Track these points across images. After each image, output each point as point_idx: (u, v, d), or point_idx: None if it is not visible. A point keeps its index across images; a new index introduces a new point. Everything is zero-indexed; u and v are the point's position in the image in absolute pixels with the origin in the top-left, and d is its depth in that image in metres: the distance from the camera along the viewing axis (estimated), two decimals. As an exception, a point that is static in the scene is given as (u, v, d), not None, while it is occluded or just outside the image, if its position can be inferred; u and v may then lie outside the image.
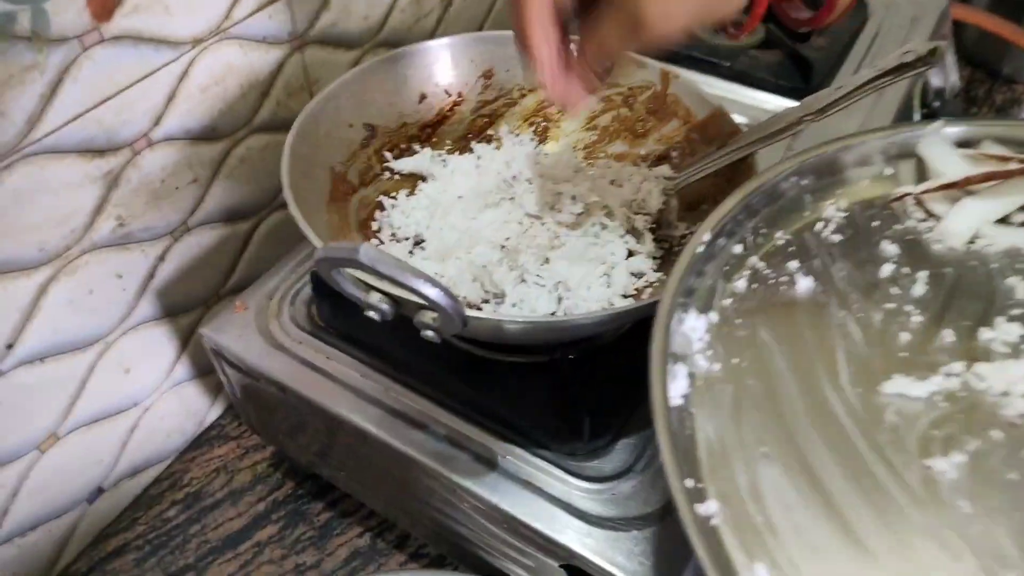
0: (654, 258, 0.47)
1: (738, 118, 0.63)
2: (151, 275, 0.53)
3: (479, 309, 0.45)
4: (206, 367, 0.61)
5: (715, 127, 0.48)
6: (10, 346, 0.46)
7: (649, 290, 0.44)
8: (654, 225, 0.47)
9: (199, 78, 0.50)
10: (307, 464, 0.57)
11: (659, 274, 0.46)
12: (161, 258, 0.53)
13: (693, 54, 0.71)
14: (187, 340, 0.58)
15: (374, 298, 0.35)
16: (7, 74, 0.40)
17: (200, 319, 0.59)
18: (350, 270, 0.33)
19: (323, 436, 0.50)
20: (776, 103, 0.67)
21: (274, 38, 0.55)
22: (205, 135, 0.53)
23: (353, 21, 0.61)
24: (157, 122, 0.49)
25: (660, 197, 0.46)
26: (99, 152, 0.46)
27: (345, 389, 0.46)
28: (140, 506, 0.59)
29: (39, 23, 0.40)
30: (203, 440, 0.63)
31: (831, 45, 0.73)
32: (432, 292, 0.31)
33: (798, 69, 0.69)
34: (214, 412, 0.64)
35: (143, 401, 0.57)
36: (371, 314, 0.36)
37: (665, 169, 0.48)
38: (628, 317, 0.38)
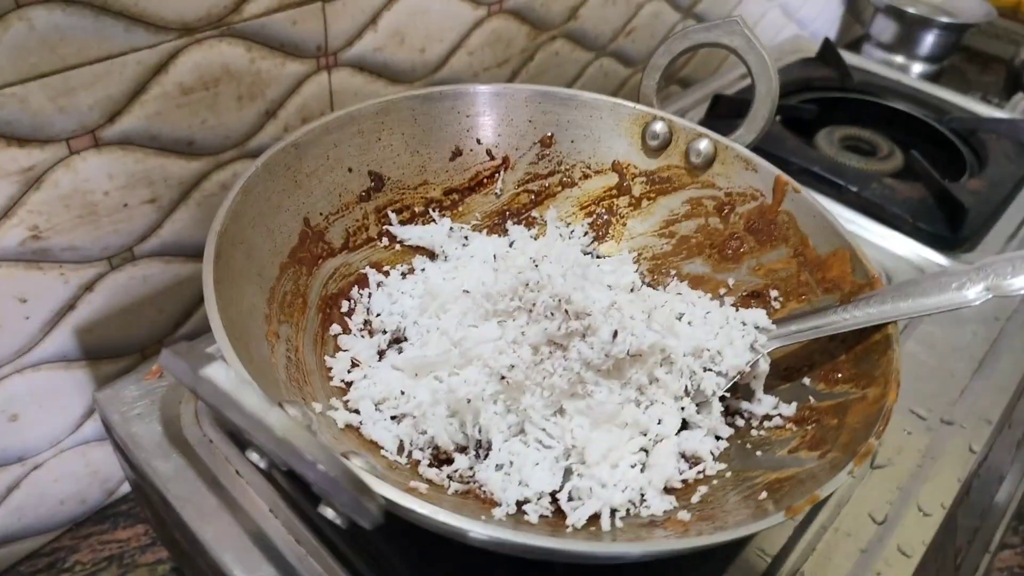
0: (717, 438, 0.32)
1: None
2: (71, 306, 0.42)
3: (446, 462, 0.31)
4: (127, 429, 0.48)
5: (840, 271, 0.34)
6: None
7: (703, 489, 0.29)
8: (727, 391, 0.32)
9: (182, 76, 0.40)
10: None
11: (720, 466, 0.31)
12: (88, 288, 0.42)
13: (814, 169, 0.57)
14: (109, 392, 0.46)
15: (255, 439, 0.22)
16: None
17: (131, 367, 0.47)
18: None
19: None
20: (912, 249, 0.53)
21: (295, 48, 0.44)
22: (178, 148, 0.42)
23: (404, 51, 0.50)
24: (111, 119, 0.38)
25: (746, 355, 0.32)
26: (19, 141, 0.35)
27: (247, 534, 0.32)
28: (0, 587, 0.46)
29: (-48, -45, 0.30)
30: (107, 514, 0.50)
31: (990, 190, 0.58)
32: (325, 483, 0.17)
33: (944, 212, 0.55)
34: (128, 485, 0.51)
35: (32, 457, 0.45)
36: (253, 457, 0.23)
37: (761, 316, 0.33)
38: (663, 555, 0.23)
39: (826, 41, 0.74)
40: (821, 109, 0.67)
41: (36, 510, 0.47)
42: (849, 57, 0.76)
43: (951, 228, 0.53)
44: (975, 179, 0.59)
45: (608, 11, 0.66)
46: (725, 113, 0.61)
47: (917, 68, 1.04)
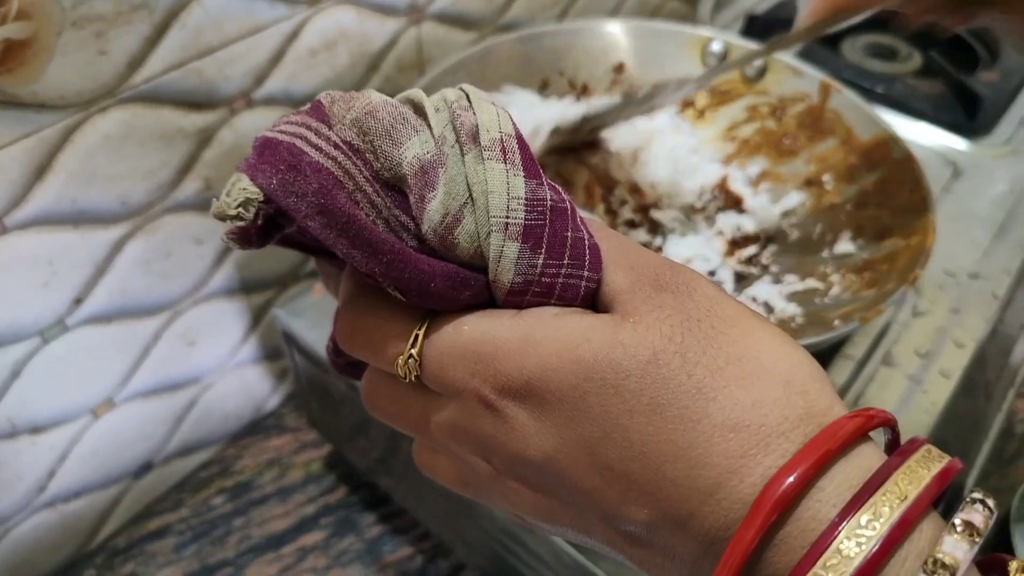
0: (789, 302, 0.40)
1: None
2: (231, 245, 0.50)
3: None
4: (273, 351, 0.57)
5: (882, 154, 0.41)
6: (79, 301, 0.43)
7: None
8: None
9: (309, 41, 0.47)
10: (365, 469, 0.53)
11: (797, 310, 0.39)
12: (244, 228, 0.50)
13: (844, 76, 0.63)
14: (258, 320, 0.55)
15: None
16: (116, 11, 0.37)
17: (274, 299, 0.55)
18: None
19: (387, 441, 0.45)
20: (935, 139, 0.60)
21: (391, 8, 0.51)
22: (308, 102, 0.49)
23: (475, 2, 0.57)
24: (260, 83, 0.45)
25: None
26: (196, 107, 0.43)
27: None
28: (187, 488, 0.55)
29: (152, -43, 0.37)
30: (259, 428, 0.60)
31: (1003, 80, 0.64)
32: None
33: (962, 103, 0.61)
34: (274, 399, 0.60)
35: (204, 378, 0.53)
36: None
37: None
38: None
39: (841, -45, 0.80)
40: (842, 20, 0.73)
41: (206, 425, 0.56)
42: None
43: (968, 116, 0.60)
44: (987, 71, 0.65)
45: (640, -55, 0.72)
46: (759, 31, 0.67)
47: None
